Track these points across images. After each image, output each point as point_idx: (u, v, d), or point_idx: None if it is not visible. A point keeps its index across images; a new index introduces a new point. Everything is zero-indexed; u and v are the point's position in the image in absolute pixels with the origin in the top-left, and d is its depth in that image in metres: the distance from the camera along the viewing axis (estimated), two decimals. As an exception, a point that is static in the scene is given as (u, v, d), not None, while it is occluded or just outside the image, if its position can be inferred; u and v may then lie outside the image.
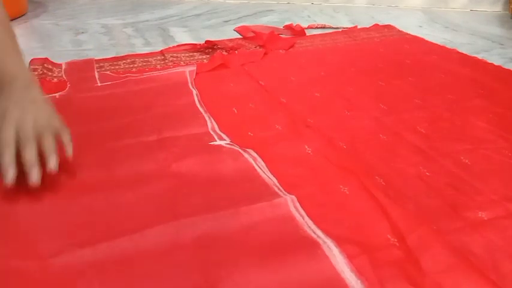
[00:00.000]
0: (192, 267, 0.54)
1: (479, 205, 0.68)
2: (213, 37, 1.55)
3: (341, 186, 0.71)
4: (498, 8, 2.20)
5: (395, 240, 0.60)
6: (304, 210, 0.64)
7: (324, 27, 1.78)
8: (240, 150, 0.80)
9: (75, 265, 0.54)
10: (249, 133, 0.88)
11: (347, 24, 1.85)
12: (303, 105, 1.01)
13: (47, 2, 2.08)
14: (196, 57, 1.33)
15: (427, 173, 0.76)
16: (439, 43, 1.55)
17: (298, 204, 0.65)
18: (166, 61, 1.28)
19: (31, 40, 1.55)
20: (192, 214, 0.63)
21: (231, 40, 1.51)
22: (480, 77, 1.22)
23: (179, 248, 0.57)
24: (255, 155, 0.78)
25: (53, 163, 0.64)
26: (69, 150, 0.68)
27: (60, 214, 0.63)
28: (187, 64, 1.26)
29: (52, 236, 0.59)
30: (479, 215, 0.66)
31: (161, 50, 1.38)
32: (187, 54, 1.35)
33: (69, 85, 1.08)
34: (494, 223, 0.64)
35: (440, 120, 0.96)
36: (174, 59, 1.30)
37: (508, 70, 1.28)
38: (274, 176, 0.73)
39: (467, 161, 0.80)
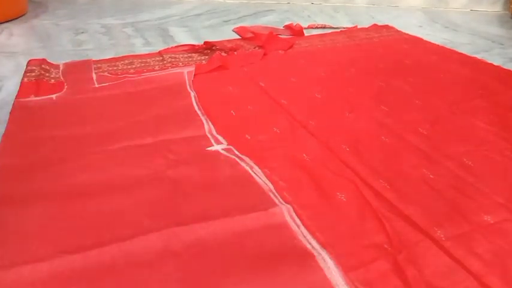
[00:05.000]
0: (183, 276, 0.54)
1: (484, 208, 0.68)
2: (213, 37, 1.55)
3: (338, 194, 0.70)
4: (498, 8, 2.19)
5: (393, 250, 0.59)
6: (300, 219, 0.64)
7: (324, 27, 1.77)
8: (236, 158, 0.79)
9: (64, 272, 0.53)
10: (247, 136, 0.88)
11: (347, 24, 1.84)
12: (304, 107, 1.01)
13: (47, 2, 2.08)
14: (194, 58, 1.32)
15: (431, 176, 0.76)
16: (439, 43, 1.54)
17: (294, 214, 0.65)
18: (165, 62, 1.28)
19: (31, 40, 1.55)
20: (185, 222, 0.62)
21: (229, 41, 1.50)
22: (480, 77, 1.21)
23: (170, 257, 0.57)
24: (251, 163, 0.78)
25: None
26: None
27: (51, 219, 0.63)
28: (185, 65, 1.26)
29: (41, 241, 0.58)
30: (485, 218, 0.66)
31: (159, 51, 1.38)
32: (185, 55, 1.35)
33: (66, 86, 1.08)
34: (501, 227, 0.64)
35: (441, 121, 0.96)
36: (173, 60, 1.30)
37: (508, 70, 1.27)
38: (271, 182, 0.73)
39: (470, 162, 0.80)
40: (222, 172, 0.75)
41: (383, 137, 0.88)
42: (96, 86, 1.09)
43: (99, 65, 1.23)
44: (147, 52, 1.38)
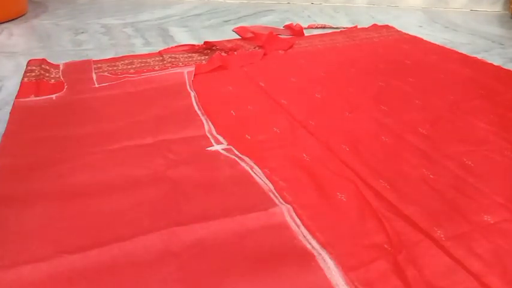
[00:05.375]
0: (183, 276, 0.54)
1: (484, 208, 0.68)
2: (213, 37, 1.55)
3: (338, 194, 0.70)
4: (498, 8, 2.19)
5: (393, 250, 0.59)
6: (300, 219, 0.64)
7: (324, 27, 1.77)
8: (236, 158, 0.79)
9: (64, 272, 0.53)
10: (247, 136, 0.88)
11: (347, 24, 1.84)
12: (304, 107, 1.01)
13: (47, 2, 2.08)
14: (194, 58, 1.32)
15: (431, 176, 0.76)
16: (439, 43, 1.54)
17: (294, 214, 0.65)
18: (165, 62, 1.28)
19: (31, 40, 1.55)
20: (185, 222, 0.62)
21: (229, 41, 1.50)
22: (480, 77, 1.21)
23: (170, 257, 0.56)
24: (251, 163, 0.78)
25: None
26: None
27: (51, 219, 0.63)
28: (185, 65, 1.26)
29: (41, 241, 0.58)
30: (485, 218, 0.66)
31: (159, 51, 1.38)
32: (185, 55, 1.35)
33: (66, 86, 1.08)
34: (501, 227, 0.64)
35: (441, 121, 0.96)
36: (173, 59, 1.30)
37: (508, 70, 1.27)
38: (271, 182, 0.72)
39: (470, 162, 0.80)
40: (222, 172, 0.75)
41: (383, 137, 0.88)
42: (96, 86, 1.09)
43: (99, 65, 1.23)
44: (147, 52, 1.38)
